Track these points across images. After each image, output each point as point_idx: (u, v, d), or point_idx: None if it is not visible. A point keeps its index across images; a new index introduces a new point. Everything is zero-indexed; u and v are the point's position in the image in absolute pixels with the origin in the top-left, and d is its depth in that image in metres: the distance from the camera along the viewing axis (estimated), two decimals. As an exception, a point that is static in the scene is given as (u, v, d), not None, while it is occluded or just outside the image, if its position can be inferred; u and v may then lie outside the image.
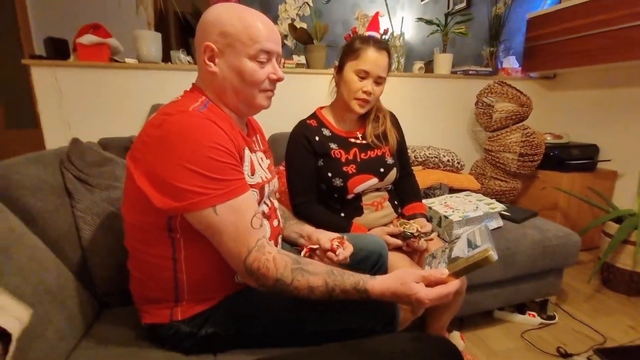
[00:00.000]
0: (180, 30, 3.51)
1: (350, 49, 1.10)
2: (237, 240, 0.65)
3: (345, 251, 0.87)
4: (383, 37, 2.02)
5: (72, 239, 0.91)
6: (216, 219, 0.64)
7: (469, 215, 1.28)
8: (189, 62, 1.74)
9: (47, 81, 1.52)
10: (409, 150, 1.52)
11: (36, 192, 0.86)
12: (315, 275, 0.67)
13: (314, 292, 0.67)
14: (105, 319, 0.89)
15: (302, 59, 1.92)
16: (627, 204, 1.94)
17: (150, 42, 1.63)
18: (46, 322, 0.70)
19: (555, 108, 2.42)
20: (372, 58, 1.07)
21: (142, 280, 0.77)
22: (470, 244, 0.74)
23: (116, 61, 1.64)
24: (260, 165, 0.82)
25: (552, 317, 1.49)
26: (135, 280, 0.79)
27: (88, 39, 1.51)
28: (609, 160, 2.09)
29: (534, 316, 1.48)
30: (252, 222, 0.67)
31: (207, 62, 0.72)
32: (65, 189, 0.95)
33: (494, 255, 0.65)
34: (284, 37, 1.92)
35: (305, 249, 0.91)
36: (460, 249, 0.75)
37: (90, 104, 1.60)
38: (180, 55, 1.72)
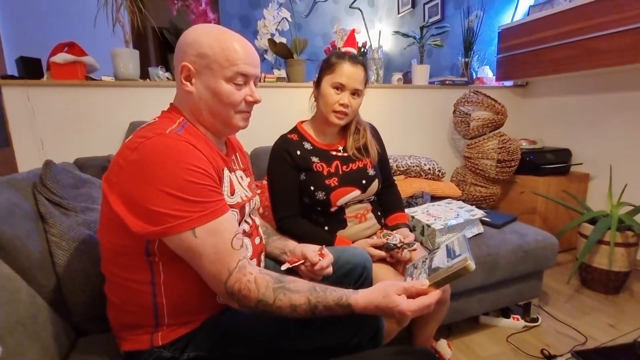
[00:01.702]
0: (159, 47, 3.48)
1: (327, 64, 1.13)
2: (217, 263, 0.64)
3: (324, 260, 0.86)
4: (362, 50, 2.07)
5: (46, 266, 0.87)
6: (195, 241, 0.63)
7: (450, 223, 1.31)
8: (167, 78, 1.73)
9: (18, 101, 1.49)
10: (390, 160, 1.54)
11: (7, 218, 0.82)
12: (298, 293, 0.67)
13: (297, 310, 0.67)
14: (82, 348, 0.86)
15: (282, 73, 1.94)
16: (600, 205, 2.02)
17: (128, 60, 1.61)
18: (18, 355, 0.66)
19: (529, 115, 2.52)
20: (347, 71, 1.10)
21: (119, 305, 0.74)
22: (450, 254, 0.75)
23: (92, 79, 1.61)
24: (240, 184, 0.81)
25: (536, 320, 1.52)
26: (112, 305, 0.76)
27: (62, 57, 1.49)
28: (580, 164, 2.18)
29: (518, 319, 1.50)
30: (232, 243, 0.66)
31: (184, 81, 0.72)
32: (38, 213, 0.92)
33: (471, 264, 0.66)
34: (264, 52, 1.94)
35: (287, 263, 0.90)
36: (440, 259, 0.76)
37: (65, 123, 1.57)
38: (159, 72, 1.71)
